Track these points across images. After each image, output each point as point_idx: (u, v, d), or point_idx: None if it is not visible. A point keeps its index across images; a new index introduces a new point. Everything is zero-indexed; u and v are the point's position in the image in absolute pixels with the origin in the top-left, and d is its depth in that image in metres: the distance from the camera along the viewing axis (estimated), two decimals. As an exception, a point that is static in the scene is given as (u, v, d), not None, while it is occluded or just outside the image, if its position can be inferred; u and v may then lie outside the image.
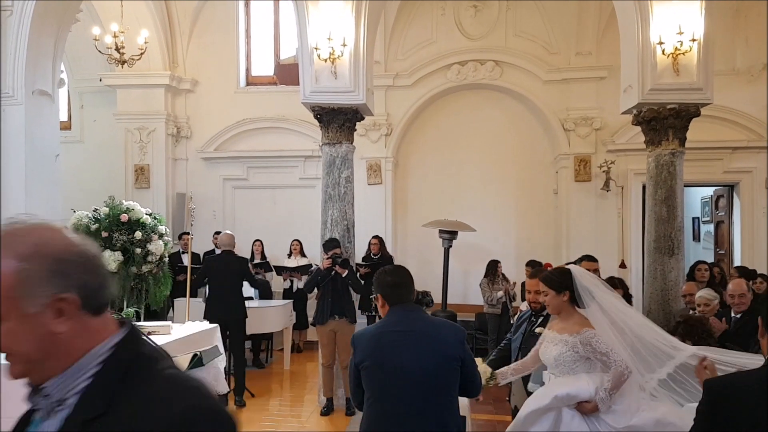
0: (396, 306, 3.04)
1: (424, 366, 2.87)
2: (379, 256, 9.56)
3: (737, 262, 9.42)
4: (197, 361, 2.89)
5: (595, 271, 5.94)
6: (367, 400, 2.96)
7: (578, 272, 3.56)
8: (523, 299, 6.79)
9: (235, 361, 7.01)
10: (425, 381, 2.86)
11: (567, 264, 4.33)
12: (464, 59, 10.31)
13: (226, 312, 6.67)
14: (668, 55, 6.73)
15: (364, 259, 9.55)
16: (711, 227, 11.21)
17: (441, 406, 2.91)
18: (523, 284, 7.89)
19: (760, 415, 1.83)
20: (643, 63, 6.82)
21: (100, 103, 10.91)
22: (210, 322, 6.01)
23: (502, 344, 4.64)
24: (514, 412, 4.28)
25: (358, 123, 7.26)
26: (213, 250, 9.71)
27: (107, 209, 5.74)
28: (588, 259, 6.17)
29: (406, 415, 2.85)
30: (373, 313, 9.48)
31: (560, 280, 3.49)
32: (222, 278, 6.87)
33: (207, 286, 7.20)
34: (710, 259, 9.88)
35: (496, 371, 3.83)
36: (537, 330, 4.22)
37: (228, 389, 4.32)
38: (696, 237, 12.05)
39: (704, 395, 1.98)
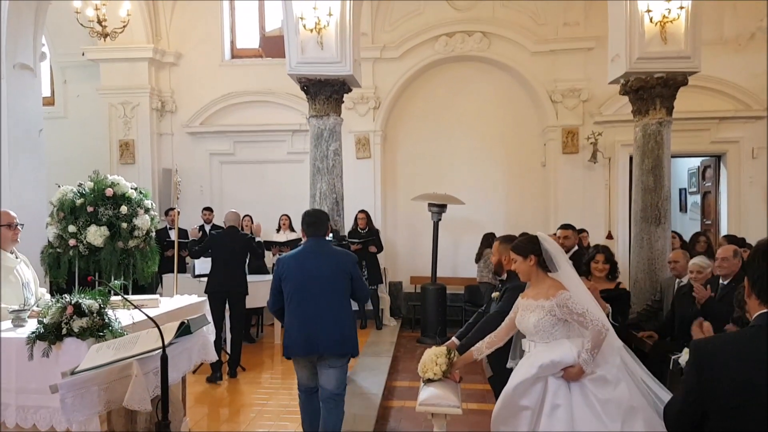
0: (310, 237, 4.42)
1: (326, 274, 4.27)
2: (366, 231, 9.57)
3: (724, 233, 9.49)
4: (185, 329, 2.89)
5: (566, 238, 6.15)
6: (286, 301, 4.28)
7: (543, 237, 3.62)
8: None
9: (233, 333, 7.05)
10: (326, 284, 4.26)
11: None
12: (452, 30, 10.23)
13: (228, 284, 6.83)
14: (656, 24, 6.71)
15: (350, 233, 9.55)
16: (698, 198, 11.28)
17: (337, 303, 4.28)
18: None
19: (744, 376, 1.85)
20: (630, 31, 6.80)
21: (83, 78, 10.75)
22: (212, 294, 6.12)
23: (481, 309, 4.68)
24: (491, 380, 4.31)
25: (345, 96, 7.21)
26: (202, 226, 9.69)
27: (92, 184, 5.64)
28: (563, 228, 6.36)
29: (314, 306, 4.21)
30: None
31: (526, 246, 3.58)
32: (226, 252, 6.96)
33: (210, 260, 7.24)
34: (697, 229, 9.97)
35: (472, 348, 3.85)
36: (493, 295, 4.30)
37: (217, 358, 4.32)
38: (683, 208, 12.12)
39: (691, 356, 2.00)
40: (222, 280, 6.86)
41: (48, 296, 4.38)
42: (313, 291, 4.23)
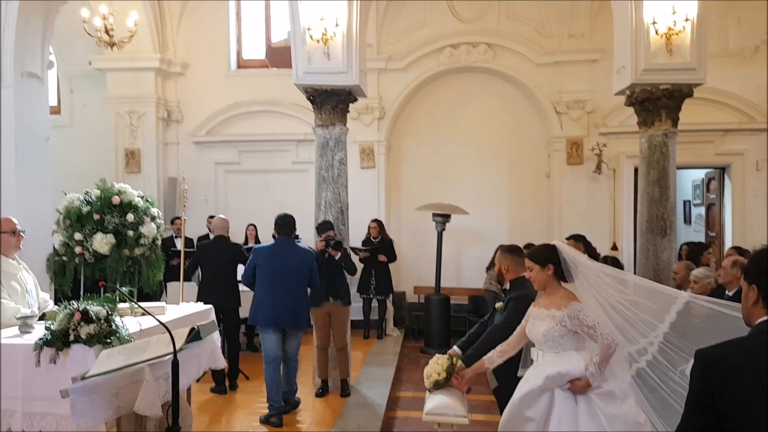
0: (281, 236, 5.85)
1: (291, 267, 5.68)
2: (379, 240, 9.57)
3: (728, 245, 9.48)
4: (195, 334, 2.88)
5: None
6: (259, 282, 5.68)
7: (562, 247, 3.56)
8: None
9: (229, 346, 7.01)
10: (290, 275, 5.66)
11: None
12: (457, 42, 10.28)
13: (219, 299, 6.53)
14: (662, 36, 6.73)
15: (363, 242, 9.56)
16: (702, 210, 11.27)
17: (298, 291, 5.72)
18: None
19: (755, 382, 1.84)
20: (636, 43, 6.82)
21: (89, 87, 10.80)
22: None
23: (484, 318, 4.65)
24: (495, 392, 4.29)
25: (351, 105, 7.21)
26: (207, 235, 9.69)
27: (99, 191, 5.65)
28: (567, 239, 6.40)
29: (280, 292, 5.58)
30: (371, 296, 9.52)
31: (544, 255, 3.50)
32: (215, 265, 6.85)
33: (200, 271, 7.18)
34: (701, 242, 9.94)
35: (484, 357, 3.80)
36: (497, 305, 4.26)
37: (225, 364, 4.30)
38: (687, 220, 12.10)
39: (695, 364, 1.97)
40: (212, 295, 6.45)
41: (51, 302, 4.38)
42: (282, 279, 5.61)
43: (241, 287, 7.31)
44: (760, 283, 1.99)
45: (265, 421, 5.70)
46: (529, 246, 7.86)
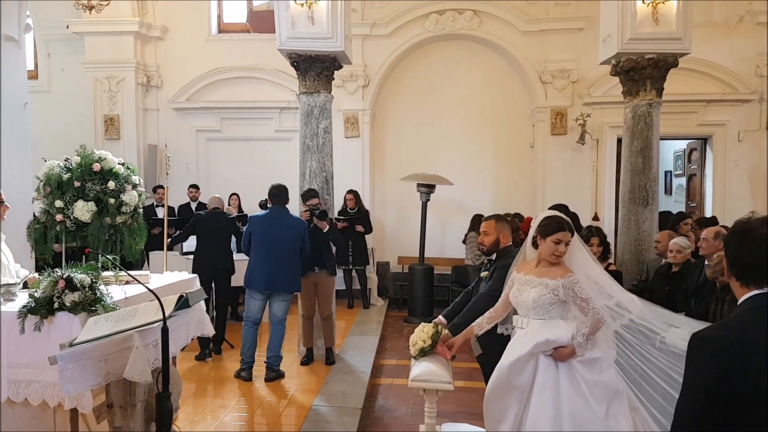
0: (275, 205, 6.07)
1: (284, 235, 5.94)
2: (355, 210, 9.54)
3: (708, 215, 9.58)
4: (183, 302, 2.86)
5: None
6: (253, 248, 5.97)
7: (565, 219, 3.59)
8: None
9: (217, 311, 7.04)
10: (283, 243, 5.91)
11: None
12: (443, 8, 10.14)
13: (214, 262, 6.88)
14: (648, 4, 6.71)
15: (340, 213, 9.53)
16: (683, 181, 11.37)
17: (290, 258, 5.95)
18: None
19: (756, 364, 1.76)
20: (622, 12, 6.79)
21: (67, 52, 10.55)
22: (198, 273, 6.07)
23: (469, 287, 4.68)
24: (479, 359, 4.33)
25: (335, 73, 7.12)
26: (188, 203, 9.61)
27: (79, 158, 5.54)
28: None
29: (274, 258, 5.88)
30: (350, 267, 9.53)
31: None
32: (211, 233, 6.98)
33: (195, 241, 7.22)
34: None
35: (473, 324, 3.84)
36: (482, 274, 4.30)
37: (213, 331, 4.30)
38: (668, 190, 12.22)
39: (697, 350, 1.86)
40: (208, 258, 6.89)
41: (25, 272, 4.33)
42: (275, 246, 5.88)
43: (236, 255, 7.37)
44: (727, 254, 1.93)
45: (236, 375, 6.10)
46: (517, 216, 7.90)
